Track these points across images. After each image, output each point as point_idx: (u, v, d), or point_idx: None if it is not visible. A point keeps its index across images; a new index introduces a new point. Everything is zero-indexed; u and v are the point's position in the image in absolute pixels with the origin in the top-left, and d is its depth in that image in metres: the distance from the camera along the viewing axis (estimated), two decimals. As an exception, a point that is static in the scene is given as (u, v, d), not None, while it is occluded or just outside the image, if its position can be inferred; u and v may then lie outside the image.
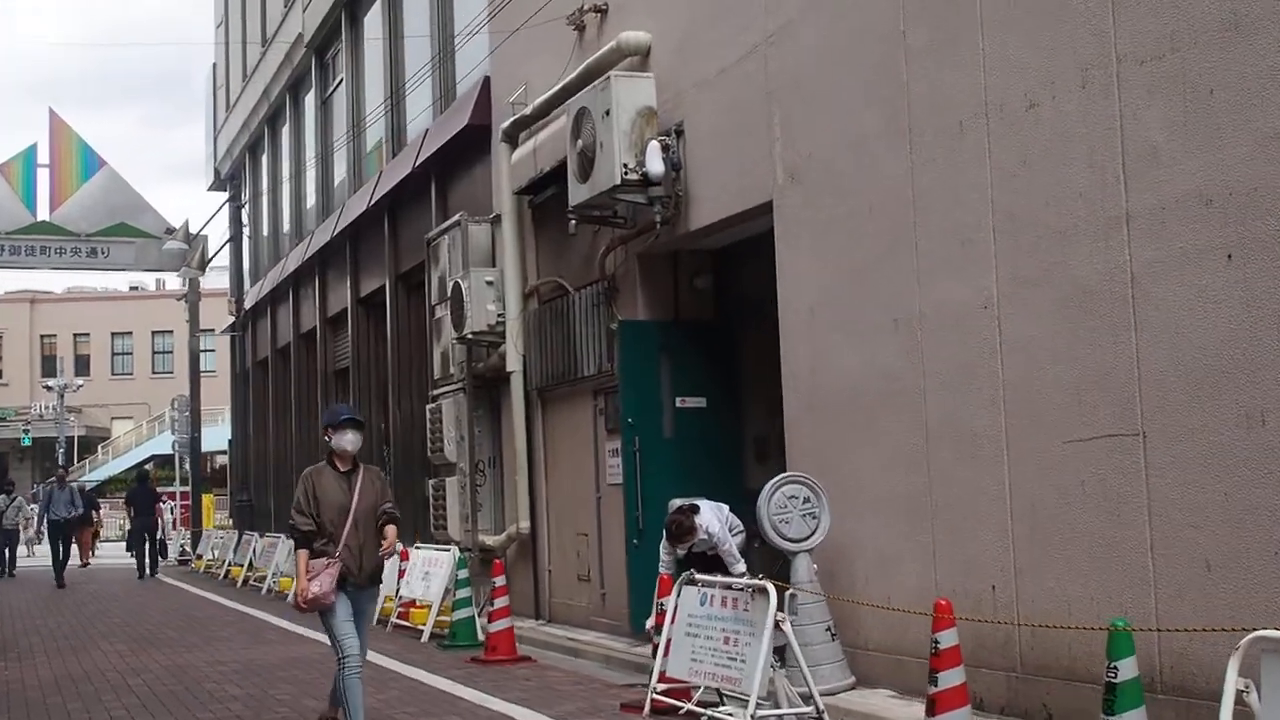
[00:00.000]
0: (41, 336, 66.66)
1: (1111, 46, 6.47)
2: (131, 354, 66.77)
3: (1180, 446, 6.11)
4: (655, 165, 10.18)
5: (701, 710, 7.67)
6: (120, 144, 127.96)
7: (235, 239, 29.87)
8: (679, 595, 8.06)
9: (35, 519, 27.40)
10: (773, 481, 8.48)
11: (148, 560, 24.15)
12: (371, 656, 8.90)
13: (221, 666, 11.20)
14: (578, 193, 10.86)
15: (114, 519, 40.47)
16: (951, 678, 6.22)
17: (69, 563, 23.47)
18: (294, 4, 24.21)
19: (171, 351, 64.10)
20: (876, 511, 8.25)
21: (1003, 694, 7.15)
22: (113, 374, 66.50)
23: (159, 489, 28.29)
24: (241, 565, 21.74)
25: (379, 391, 19.42)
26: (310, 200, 24.51)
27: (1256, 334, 5.76)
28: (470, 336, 13.65)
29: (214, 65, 33.85)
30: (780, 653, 7.34)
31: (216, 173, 32.44)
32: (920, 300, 7.83)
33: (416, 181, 16.73)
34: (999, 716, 7.11)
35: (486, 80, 14.65)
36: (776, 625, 7.12)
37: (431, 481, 15.04)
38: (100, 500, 35.17)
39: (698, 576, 8.02)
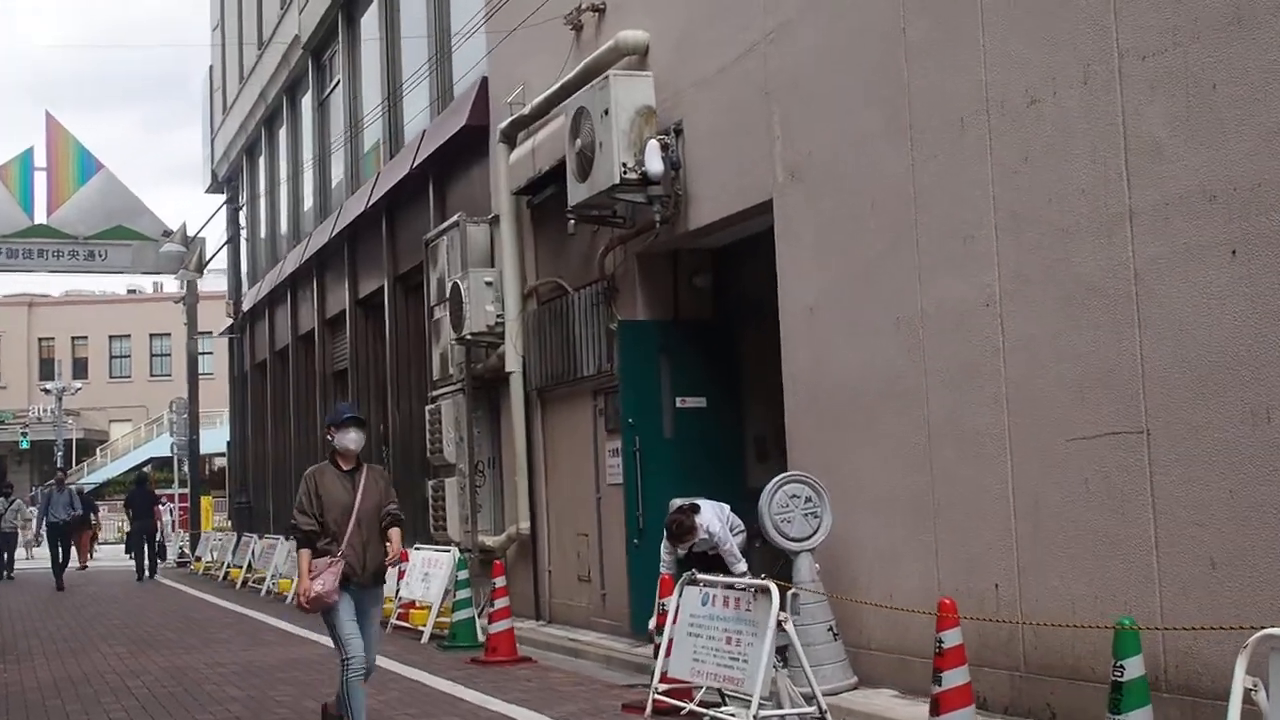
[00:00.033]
0: (39, 339, 66.65)
1: (1113, 42, 6.44)
2: (129, 357, 66.77)
3: (1185, 444, 6.08)
4: (654, 164, 10.15)
5: (703, 711, 7.63)
6: (117, 147, 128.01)
7: (233, 241, 29.84)
8: (681, 595, 8.02)
9: (35, 521, 27.35)
10: (774, 481, 8.45)
11: (146, 562, 24.18)
12: (372, 658, 8.85)
13: (221, 668, 11.17)
14: (576, 192, 10.83)
15: (112, 521, 40.43)
16: (956, 677, 6.19)
17: (68, 565, 23.43)
18: (290, 5, 24.18)
19: (169, 354, 64.12)
20: (878, 511, 8.21)
21: (1006, 693, 7.12)
22: (111, 377, 66.49)
23: (157, 491, 28.27)
24: (240, 567, 21.73)
25: (378, 393, 19.38)
26: (308, 202, 24.47)
27: (1261, 330, 5.73)
28: (469, 337, 13.62)
29: (210, 68, 33.82)
30: (782, 653, 7.31)
31: (214, 175, 32.40)
32: (922, 298, 7.80)
33: (414, 182, 16.70)
34: (1003, 716, 7.08)
35: (484, 80, 14.62)
36: (779, 625, 7.08)
37: (431, 482, 15.01)
38: (98, 503, 35.10)
39: (700, 576, 7.99)
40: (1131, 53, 6.35)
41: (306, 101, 24.50)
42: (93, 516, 28.40)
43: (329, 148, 22.83)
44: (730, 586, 7.65)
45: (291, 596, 17.17)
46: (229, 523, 30.60)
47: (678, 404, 11.24)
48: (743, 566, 8.89)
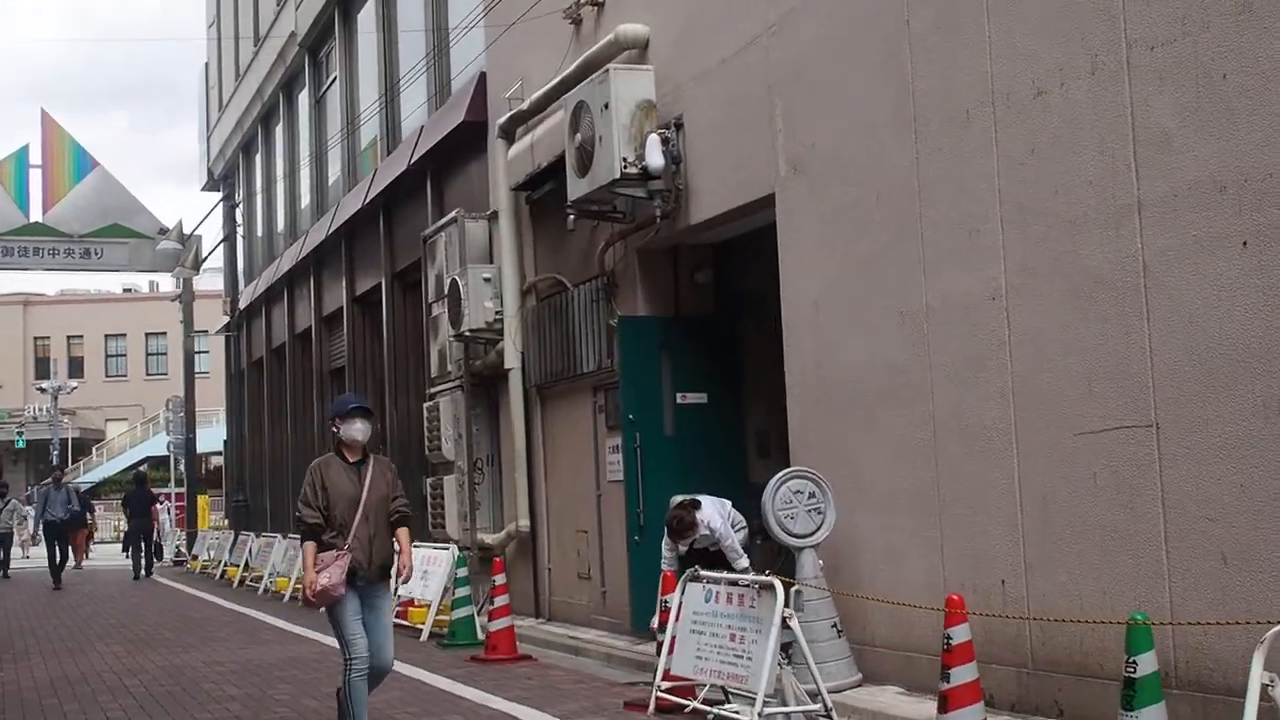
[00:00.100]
0: (35, 339, 66.60)
1: (1121, 32, 6.37)
2: (125, 356, 66.72)
3: (1195, 437, 6.02)
4: (655, 159, 10.09)
5: (707, 708, 7.57)
6: (112, 145, 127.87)
7: (229, 239, 29.73)
8: (683, 592, 7.97)
9: (32, 521, 27.29)
10: (777, 476, 8.38)
11: (143, 561, 24.12)
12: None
13: (219, 667, 11.09)
14: (576, 187, 10.76)
15: (108, 520, 40.36)
16: (964, 674, 6.12)
17: (66, 564, 23.35)
18: (286, 2, 24.08)
19: (165, 353, 64.08)
20: (883, 506, 8.15)
21: (1013, 690, 7.06)
22: (107, 376, 66.43)
23: (154, 490, 28.23)
24: (237, 565, 21.66)
25: (375, 390, 19.29)
26: (305, 199, 24.39)
27: (1273, 322, 5.66)
28: (468, 334, 13.55)
29: (206, 65, 33.72)
30: (787, 650, 7.24)
31: (210, 173, 32.31)
32: (927, 292, 7.73)
33: (412, 179, 16.62)
34: (1009, 713, 7.02)
35: (482, 76, 14.54)
36: (784, 622, 7.02)
37: (429, 480, 14.94)
38: (94, 502, 35.06)
39: (703, 573, 7.93)
40: (1140, 43, 6.28)
41: (303, 98, 24.43)
42: (89, 516, 28.36)
43: (326, 144, 22.75)
44: (734, 583, 7.59)
45: (289, 594, 17.14)
46: (226, 521, 30.52)
47: (678, 400, 11.17)
48: (745, 563, 8.84)
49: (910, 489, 7.88)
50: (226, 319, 29.46)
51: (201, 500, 31.53)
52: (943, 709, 6.15)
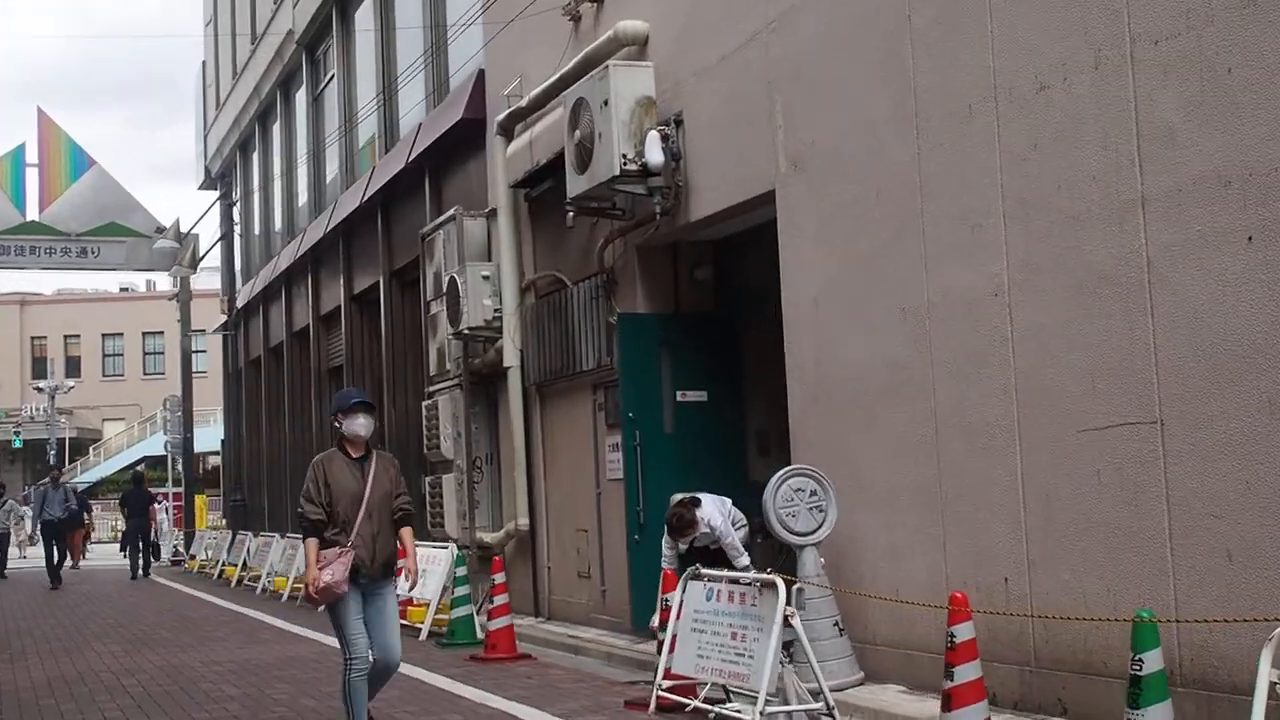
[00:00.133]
0: (32, 338, 66.51)
1: (1125, 26, 6.34)
2: (122, 355, 66.64)
3: (1199, 434, 5.98)
4: (654, 155, 10.05)
5: (708, 707, 7.53)
6: (110, 143, 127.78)
7: (227, 237, 29.69)
8: (684, 590, 7.93)
9: (30, 520, 27.25)
10: (779, 474, 8.34)
11: (140, 560, 24.08)
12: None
13: (217, 666, 11.05)
14: (576, 184, 10.72)
15: (106, 520, 40.28)
16: (968, 672, 6.07)
17: (63, 564, 23.31)
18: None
19: (163, 353, 63.98)
20: (884, 504, 8.11)
21: (1016, 688, 7.02)
22: (104, 375, 66.35)
23: (152, 490, 28.19)
24: (235, 565, 21.61)
25: (374, 389, 19.22)
26: (302, 197, 24.35)
27: (1278, 318, 5.62)
28: (466, 332, 13.50)
29: (203, 63, 33.66)
30: (788, 648, 7.21)
31: (207, 171, 32.26)
32: (928, 288, 7.69)
33: (410, 177, 16.58)
34: (1013, 711, 6.98)
35: (481, 73, 14.50)
36: (785, 620, 6.98)
37: (428, 479, 14.90)
38: (92, 502, 34.99)
39: (704, 571, 7.89)
40: (1144, 37, 6.24)
41: (300, 96, 24.38)
42: (86, 515, 28.33)
43: (323, 142, 22.70)
44: (735, 581, 7.55)
45: (288, 593, 17.09)
46: (223, 521, 30.48)
47: (678, 398, 11.14)
48: (745, 561, 8.80)
49: (912, 486, 7.84)
50: (224, 318, 29.41)
51: (199, 500, 31.50)
52: (946, 707, 6.10)
